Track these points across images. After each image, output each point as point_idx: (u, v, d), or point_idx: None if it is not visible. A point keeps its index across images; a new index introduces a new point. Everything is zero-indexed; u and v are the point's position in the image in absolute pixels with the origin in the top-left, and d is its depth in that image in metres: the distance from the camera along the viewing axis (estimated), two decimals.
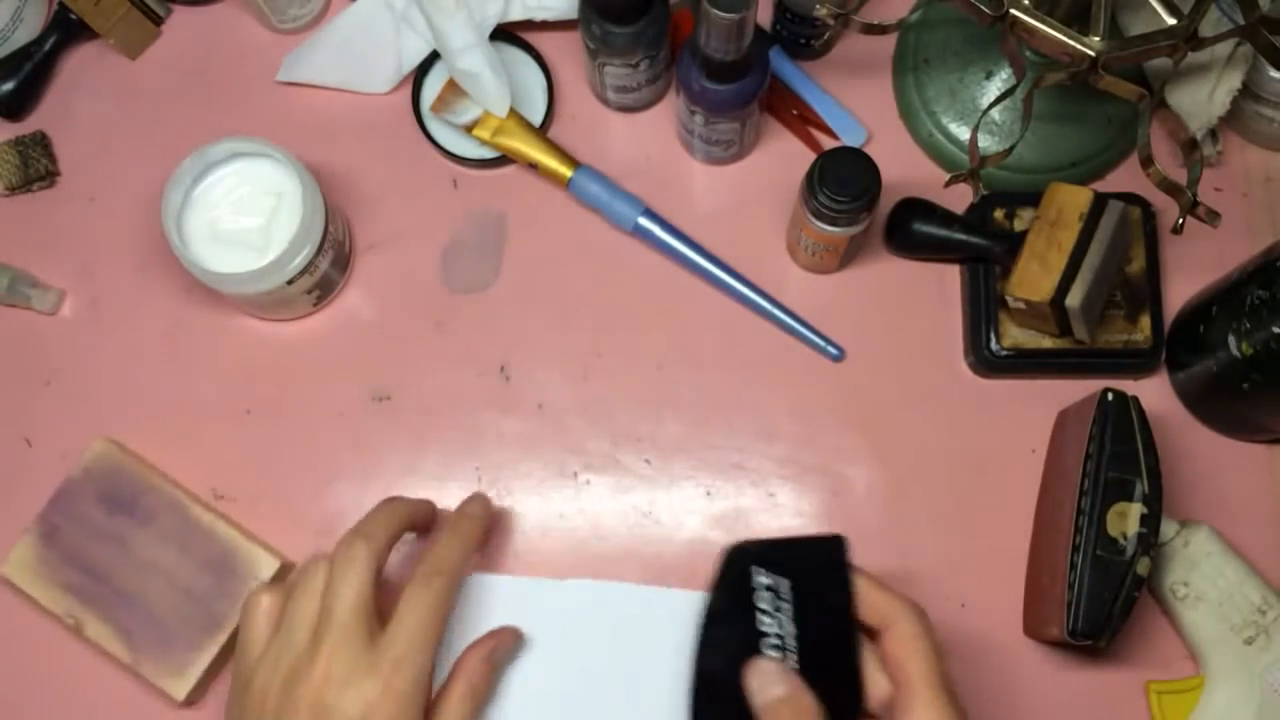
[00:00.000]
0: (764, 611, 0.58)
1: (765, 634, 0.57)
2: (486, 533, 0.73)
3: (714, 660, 0.58)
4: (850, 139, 0.82)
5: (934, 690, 0.54)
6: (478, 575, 0.76)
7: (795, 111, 0.83)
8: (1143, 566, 0.68)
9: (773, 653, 0.56)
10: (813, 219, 0.73)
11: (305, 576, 0.65)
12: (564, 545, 0.78)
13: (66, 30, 0.84)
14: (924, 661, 0.55)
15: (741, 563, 0.60)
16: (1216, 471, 0.78)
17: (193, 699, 0.76)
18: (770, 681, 0.55)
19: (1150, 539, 0.68)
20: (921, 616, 0.57)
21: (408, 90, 0.84)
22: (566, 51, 0.84)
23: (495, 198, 0.83)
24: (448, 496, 0.79)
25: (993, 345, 0.77)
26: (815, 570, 0.59)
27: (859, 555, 0.77)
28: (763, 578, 0.59)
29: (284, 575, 0.77)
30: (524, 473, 0.79)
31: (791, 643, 0.57)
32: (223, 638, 0.75)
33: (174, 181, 0.74)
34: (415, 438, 0.80)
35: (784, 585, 0.59)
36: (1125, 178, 0.82)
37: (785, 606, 0.58)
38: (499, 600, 0.76)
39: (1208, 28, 0.68)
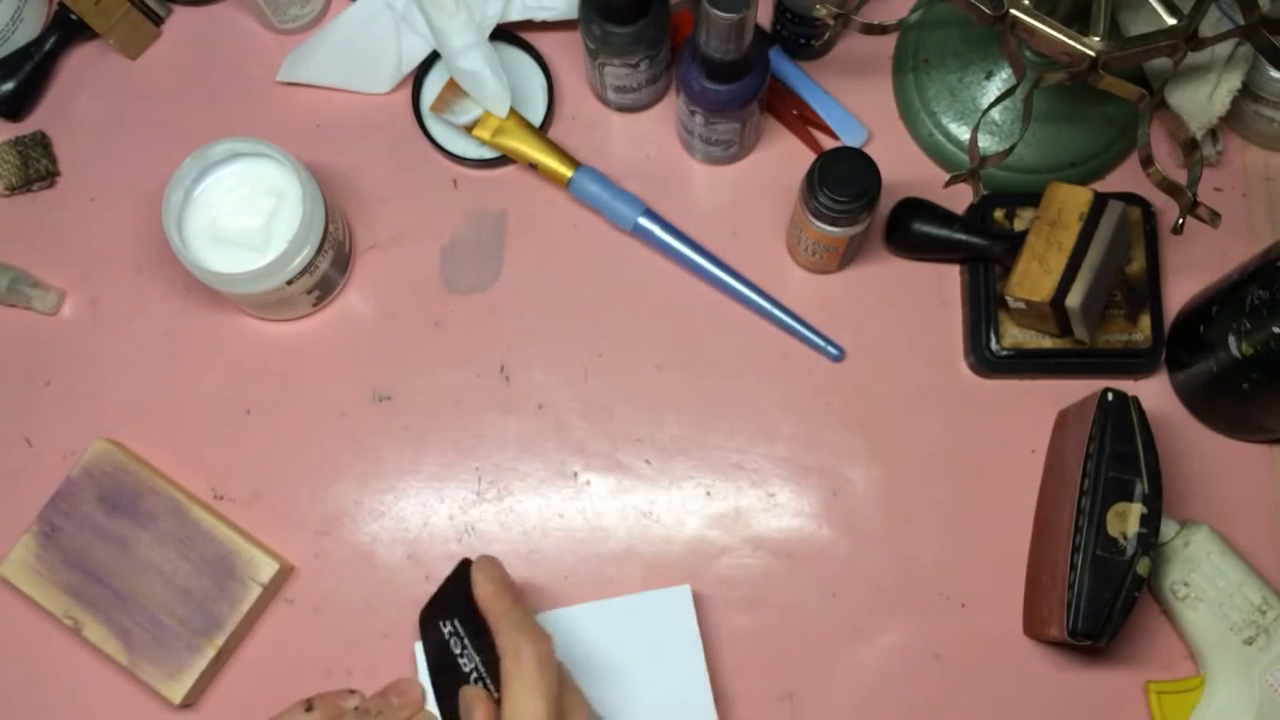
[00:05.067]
0: (459, 655, 0.66)
1: (466, 671, 0.65)
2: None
3: (448, 705, 0.67)
4: (850, 139, 0.82)
5: (505, 621, 0.64)
6: None
7: (795, 111, 0.83)
8: (1143, 566, 0.68)
9: (475, 683, 0.65)
10: (813, 219, 0.73)
11: None
12: (564, 545, 0.78)
13: (66, 30, 0.84)
14: (497, 607, 0.65)
15: (429, 623, 0.68)
16: (1216, 471, 0.78)
17: (189, 701, 0.76)
18: (466, 710, 0.64)
19: (1150, 539, 0.68)
20: (488, 570, 0.66)
21: (408, 90, 0.84)
22: (566, 51, 0.84)
23: (495, 198, 0.83)
24: (448, 496, 0.79)
25: (993, 345, 0.77)
26: (468, 596, 0.67)
27: (859, 556, 0.78)
28: (445, 627, 0.67)
29: (283, 577, 0.77)
30: (524, 473, 0.79)
31: (482, 669, 0.65)
32: (220, 640, 0.75)
33: (174, 181, 0.74)
34: (415, 438, 0.80)
35: (457, 624, 0.67)
36: (1125, 178, 0.82)
37: (465, 641, 0.66)
38: None
39: (1208, 28, 0.69)
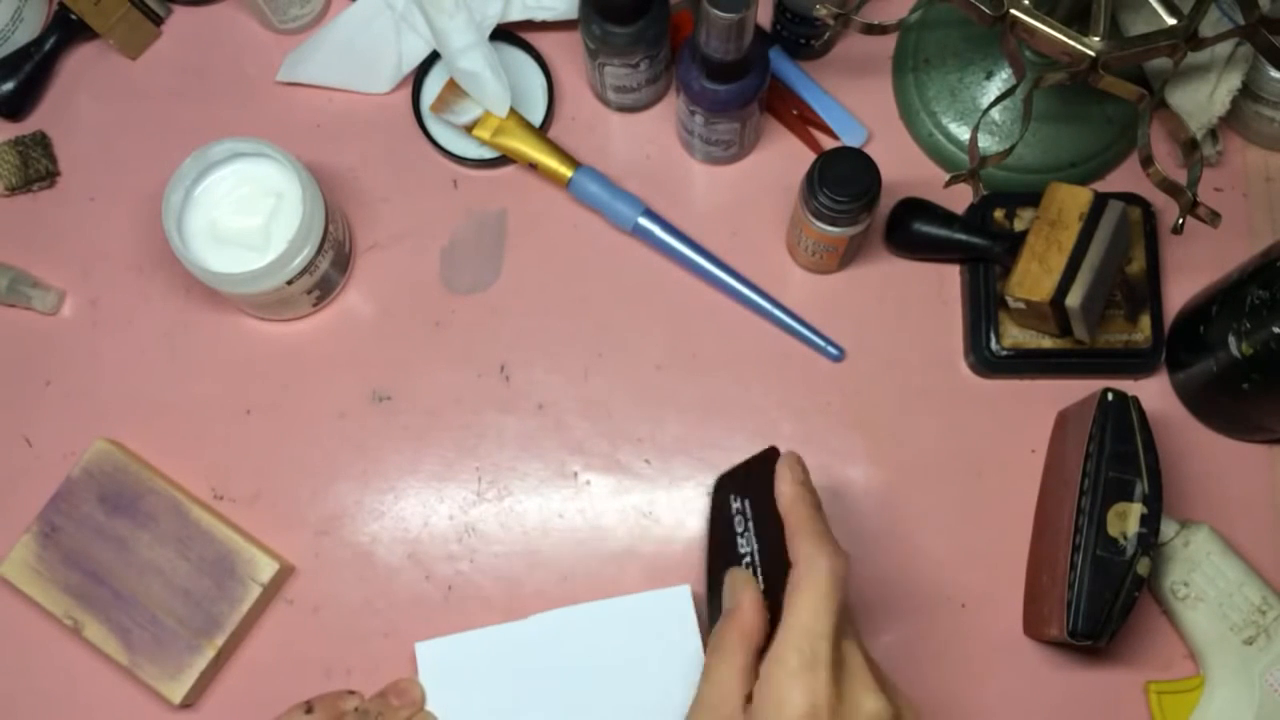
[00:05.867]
0: (740, 534, 0.65)
1: (742, 553, 0.64)
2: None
3: (716, 576, 0.66)
4: (850, 139, 0.82)
5: (805, 528, 0.61)
6: (445, 637, 0.75)
7: (795, 111, 0.83)
8: (1143, 566, 0.68)
9: (745, 567, 0.64)
10: (813, 219, 0.73)
11: None
12: (564, 545, 0.78)
13: (66, 30, 0.84)
14: (800, 512, 0.63)
15: (721, 492, 0.68)
16: (1216, 471, 0.78)
17: (189, 701, 0.76)
18: (732, 589, 0.62)
19: (1150, 539, 0.68)
20: (795, 471, 0.64)
21: (408, 90, 0.84)
22: (566, 51, 0.84)
23: (495, 198, 0.83)
24: (448, 496, 0.79)
25: (993, 345, 0.77)
26: (764, 484, 0.65)
27: (859, 556, 0.78)
28: (734, 503, 0.66)
29: (283, 577, 0.77)
30: (524, 473, 0.79)
31: (757, 557, 0.64)
32: (220, 640, 0.75)
33: (174, 181, 0.74)
34: (415, 438, 0.80)
35: (747, 506, 0.66)
36: (1125, 178, 0.82)
37: (750, 525, 0.65)
38: (469, 656, 0.74)
39: (1208, 28, 0.68)
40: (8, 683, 0.77)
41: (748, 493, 0.66)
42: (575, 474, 0.79)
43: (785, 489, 0.63)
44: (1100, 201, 0.73)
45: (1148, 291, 0.77)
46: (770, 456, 0.66)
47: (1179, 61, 0.68)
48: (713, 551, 0.67)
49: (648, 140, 0.84)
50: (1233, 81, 0.75)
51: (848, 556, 0.60)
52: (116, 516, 0.76)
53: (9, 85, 0.83)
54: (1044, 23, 0.66)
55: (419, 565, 0.78)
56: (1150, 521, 0.69)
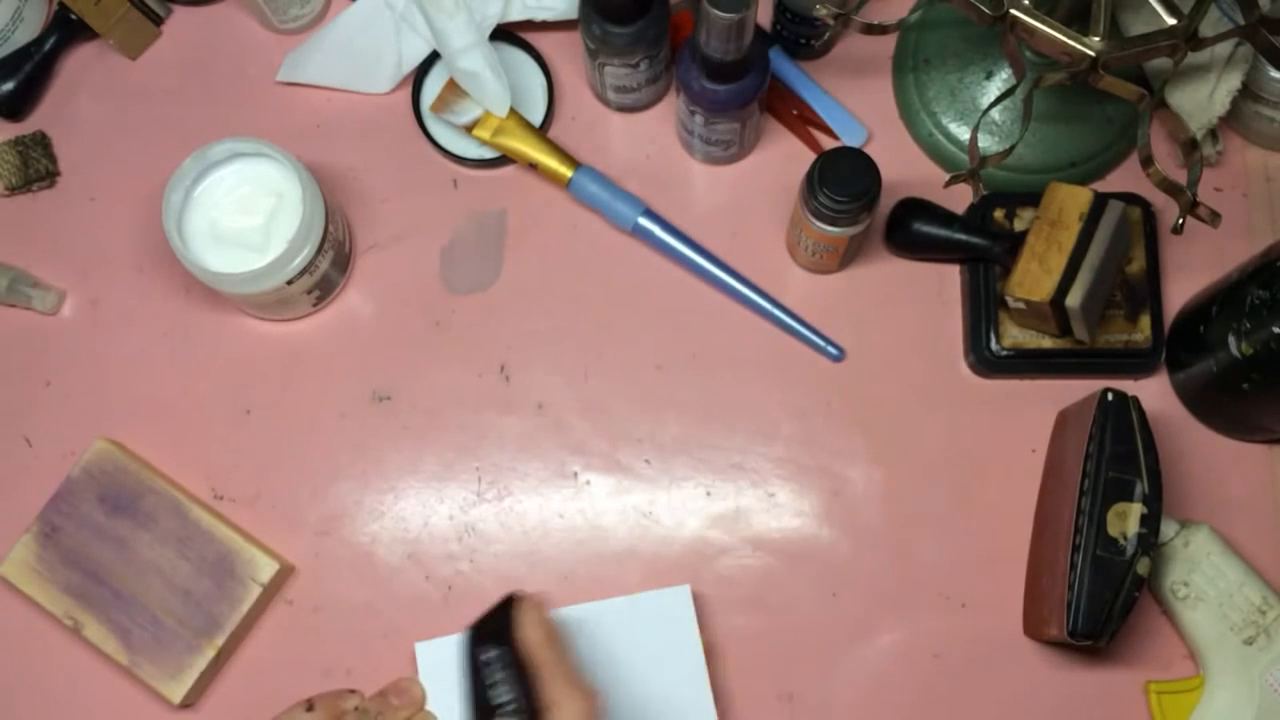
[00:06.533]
0: (491, 685, 0.64)
1: (501, 703, 0.64)
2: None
3: None
4: (850, 139, 0.82)
5: (551, 671, 0.63)
6: (445, 637, 0.74)
7: (795, 111, 0.83)
8: (1143, 566, 0.68)
9: (508, 715, 0.64)
10: (813, 219, 0.73)
11: None
12: (564, 545, 0.78)
13: (66, 30, 0.84)
14: (545, 655, 0.64)
15: (469, 645, 0.66)
16: (1216, 471, 0.78)
17: (189, 701, 0.76)
18: None
19: (1150, 539, 0.68)
20: (536, 614, 0.65)
21: (408, 90, 0.84)
22: (566, 51, 0.84)
23: (495, 198, 0.83)
24: (448, 496, 0.79)
25: (993, 345, 0.77)
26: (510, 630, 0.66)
27: (859, 556, 0.78)
28: (484, 654, 0.65)
29: (283, 577, 0.77)
30: (524, 473, 0.79)
31: (525, 704, 0.63)
32: (220, 640, 0.75)
33: (174, 181, 0.74)
34: (415, 438, 0.80)
35: (505, 653, 0.65)
36: (1125, 178, 0.82)
37: (507, 672, 0.64)
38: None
39: (1208, 28, 0.69)
40: (8, 683, 0.77)
41: (500, 641, 0.66)
42: (575, 474, 0.79)
43: (528, 634, 0.65)
44: (1100, 201, 0.73)
45: (1148, 291, 0.77)
46: (509, 604, 0.67)
47: (1179, 61, 0.68)
48: (473, 706, 0.66)
49: (648, 140, 0.84)
50: (1233, 81, 0.75)
51: (595, 694, 0.63)
52: (116, 516, 0.76)
53: (9, 85, 0.83)
54: (1044, 23, 0.66)
55: (419, 565, 0.78)
56: (1150, 521, 0.69)
